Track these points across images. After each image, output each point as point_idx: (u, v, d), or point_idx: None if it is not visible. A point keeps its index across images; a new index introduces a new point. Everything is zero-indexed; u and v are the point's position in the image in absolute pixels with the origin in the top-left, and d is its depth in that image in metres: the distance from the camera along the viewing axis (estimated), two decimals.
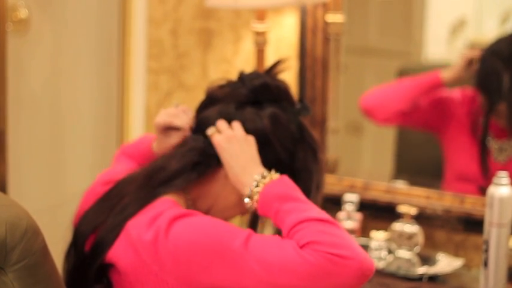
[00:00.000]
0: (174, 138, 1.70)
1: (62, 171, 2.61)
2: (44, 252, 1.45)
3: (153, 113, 2.82)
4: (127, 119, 2.77)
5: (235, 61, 2.72)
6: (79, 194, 1.76)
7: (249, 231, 1.49)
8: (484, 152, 2.43)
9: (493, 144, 2.44)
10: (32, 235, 1.42)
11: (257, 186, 1.56)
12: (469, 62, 2.45)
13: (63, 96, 2.59)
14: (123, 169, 1.76)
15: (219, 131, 1.63)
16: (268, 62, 2.53)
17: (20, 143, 2.42)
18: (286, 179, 1.57)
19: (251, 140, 1.61)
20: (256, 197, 1.56)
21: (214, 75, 2.75)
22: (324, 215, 1.50)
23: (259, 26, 2.43)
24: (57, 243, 1.65)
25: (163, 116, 1.71)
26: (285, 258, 1.43)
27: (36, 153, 2.51)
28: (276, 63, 1.70)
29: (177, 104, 1.73)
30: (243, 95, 1.64)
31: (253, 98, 1.64)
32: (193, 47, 2.77)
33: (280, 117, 1.63)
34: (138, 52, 2.77)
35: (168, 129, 1.71)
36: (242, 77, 1.68)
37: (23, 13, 2.37)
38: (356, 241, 1.48)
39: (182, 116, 1.69)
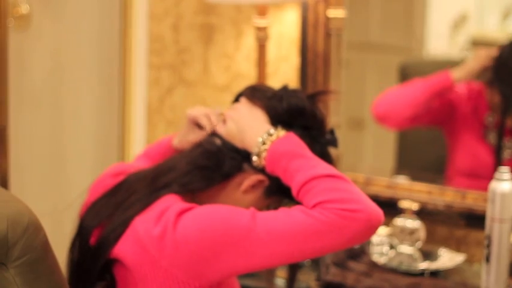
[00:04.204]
0: (195, 136, 1.71)
1: (63, 167, 2.61)
2: (46, 247, 1.45)
3: (154, 108, 2.82)
4: (128, 114, 2.77)
5: (237, 56, 2.72)
6: (80, 189, 1.75)
7: (253, 209, 1.50)
8: (499, 151, 2.42)
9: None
10: (34, 231, 1.42)
11: (264, 143, 1.56)
12: (485, 68, 2.43)
13: (64, 91, 2.58)
14: (135, 165, 1.77)
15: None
16: (270, 57, 2.53)
17: (21, 138, 2.42)
18: (292, 135, 1.57)
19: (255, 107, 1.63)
20: (263, 155, 1.56)
21: (216, 70, 2.75)
22: (331, 170, 1.51)
23: (260, 22, 2.42)
24: (58, 240, 1.65)
25: (195, 111, 1.73)
26: (294, 222, 1.44)
27: (37, 149, 2.51)
28: (321, 92, 1.71)
29: (217, 108, 1.73)
30: (276, 111, 1.63)
31: (286, 118, 1.63)
32: (194, 43, 2.77)
33: (305, 143, 1.60)
34: (139, 48, 2.77)
35: (193, 124, 1.72)
36: (281, 93, 1.66)
37: (24, 9, 2.36)
38: (363, 193, 1.49)
39: (212, 117, 1.70)
